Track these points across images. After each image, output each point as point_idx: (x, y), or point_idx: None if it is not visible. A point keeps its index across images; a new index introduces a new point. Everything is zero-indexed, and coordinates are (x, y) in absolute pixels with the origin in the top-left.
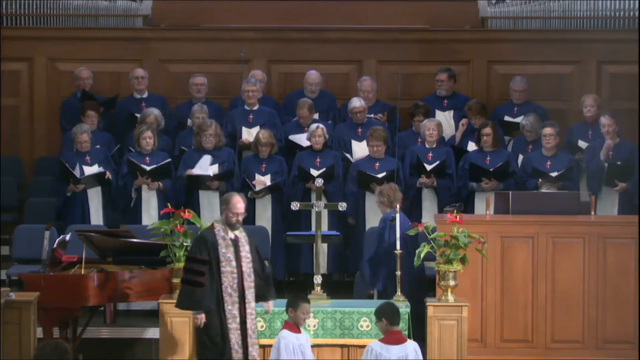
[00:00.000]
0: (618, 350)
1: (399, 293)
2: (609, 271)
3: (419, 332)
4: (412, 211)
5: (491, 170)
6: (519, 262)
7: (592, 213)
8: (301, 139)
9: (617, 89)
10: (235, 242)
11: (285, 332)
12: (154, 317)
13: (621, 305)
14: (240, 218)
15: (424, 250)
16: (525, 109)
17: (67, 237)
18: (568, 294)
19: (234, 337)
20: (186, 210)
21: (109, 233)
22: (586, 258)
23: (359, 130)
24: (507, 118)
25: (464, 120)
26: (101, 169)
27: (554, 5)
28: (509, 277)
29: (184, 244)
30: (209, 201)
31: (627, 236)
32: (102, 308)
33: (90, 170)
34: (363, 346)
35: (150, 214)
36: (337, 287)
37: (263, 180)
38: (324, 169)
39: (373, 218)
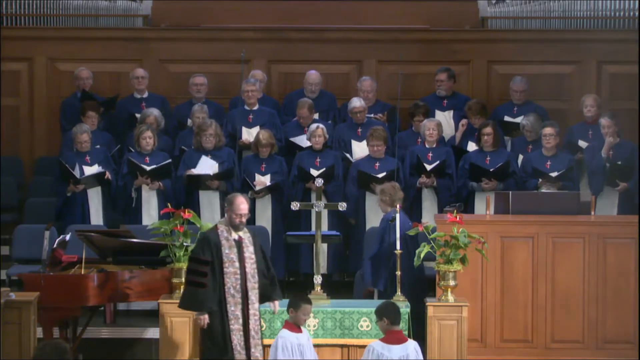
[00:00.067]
0: (618, 350)
1: (399, 293)
2: (609, 271)
3: (419, 332)
4: (412, 211)
5: (491, 170)
6: (519, 262)
7: (592, 213)
8: (301, 140)
9: (617, 89)
10: (239, 243)
11: (285, 332)
12: (154, 317)
13: (621, 305)
14: (244, 219)
15: (424, 250)
16: (525, 109)
17: (67, 237)
18: (568, 294)
19: (237, 338)
20: (186, 210)
21: (109, 233)
22: (586, 258)
23: (359, 130)
24: (507, 118)
25: (464, 121)
26: (101, 169)
27: (554, 5)
28: (509, 277)
29: (184, 244)
30: (209, 201)
31: (627, 236)
32: (102, 308)
33: (90, 170)
34: (363, 346)
35: (150, 214)
36: (337, 287)
37: (263, 181)
38: (324, 169)
39: (373, 218)
